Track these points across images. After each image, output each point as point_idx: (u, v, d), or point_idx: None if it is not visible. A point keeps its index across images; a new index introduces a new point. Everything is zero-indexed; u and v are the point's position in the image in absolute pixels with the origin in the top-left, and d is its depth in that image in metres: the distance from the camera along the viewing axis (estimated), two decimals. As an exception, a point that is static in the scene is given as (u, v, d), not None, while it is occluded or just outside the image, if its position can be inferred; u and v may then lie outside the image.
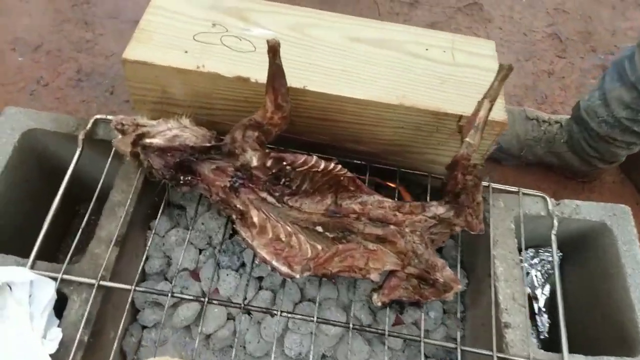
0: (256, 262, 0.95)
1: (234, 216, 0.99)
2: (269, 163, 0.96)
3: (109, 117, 1.17)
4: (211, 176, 0.99)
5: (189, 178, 1.01)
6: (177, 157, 0.99)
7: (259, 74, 1.02)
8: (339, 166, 0.98)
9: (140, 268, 1.02)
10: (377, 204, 1.01)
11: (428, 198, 1.15)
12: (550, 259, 1.31)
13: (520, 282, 1.08)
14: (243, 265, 1.19)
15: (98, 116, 1.17)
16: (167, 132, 1.01)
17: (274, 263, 0.95)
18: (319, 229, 1.02)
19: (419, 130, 1.09)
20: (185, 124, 1.03)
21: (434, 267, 0.99)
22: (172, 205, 1.27)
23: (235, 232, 1.08)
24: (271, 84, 0.91)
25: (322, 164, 0.96)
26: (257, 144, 0.96)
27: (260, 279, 1.18)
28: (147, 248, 1.11)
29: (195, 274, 1.18)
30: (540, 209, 1.17)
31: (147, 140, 0.99)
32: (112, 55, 1.81)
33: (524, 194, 1.18)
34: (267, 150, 0.96)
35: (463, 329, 1.22)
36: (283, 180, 0.98)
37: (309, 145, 1.15)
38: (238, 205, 0.97)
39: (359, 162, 1.18)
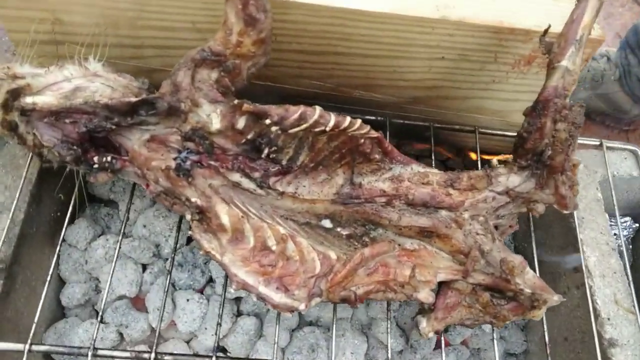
0: (233, 287, 0.57)
1: (188, 216, 0.60)
2: (240, 123, 0.57)
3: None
4: (143, 152, 0.59)
5: (108, 158, 0.61)
6: (83, 124, 0.58)
7: (212, -22, 0.61)
8: (358, 122, 0.59)
9: (40, 309, 0.61)
10: (419, 178, 0.64)
11: (479, 165, 0.78)
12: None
13: (622, 276, 0.74)
14: (210, 281, 0.81)
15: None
16: (64, 83, 0.60)
17: (262, 289, 0.57)
18: (327, 223, 0.65)
19: (466, 60, 0.71)
20: (95, 70, 0.62)
21: (511, 270, 0.63)
22: (96, 201, 0.86)
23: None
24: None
25: (332, 120, 0.57)
26: (217, 92, 0.56)
27: (237, 300, 0.80)
28: (54, 270, 0.71)
29: (138, 302, 0.79)
30: (632, 168, 0.82)
31: (29, 100, 0.58)
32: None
33: (608, 147, 0.82)
34: (235, 102, 0.56)
35: (525, 341, 0.87)
36: (266, 150, 0.59)
37: (296, 97, 0.76)
38: (192, 199, 0.58)
39: (372, 117, 0.79)
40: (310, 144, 0.60)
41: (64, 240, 0.80)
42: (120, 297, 0.77)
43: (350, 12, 0.64)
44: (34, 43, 0.66)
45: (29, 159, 0.68)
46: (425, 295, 0.60)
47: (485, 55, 0.70)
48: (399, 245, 0.65)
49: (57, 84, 0.60)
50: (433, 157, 0.78)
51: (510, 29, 0.66)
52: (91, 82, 0.60)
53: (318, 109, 0.57)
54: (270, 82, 0.74)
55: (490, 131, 0.81)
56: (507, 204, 0.66)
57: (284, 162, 0.61)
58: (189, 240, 0.83)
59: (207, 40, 0.66)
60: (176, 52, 0.70)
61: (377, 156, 0.63)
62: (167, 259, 0.80)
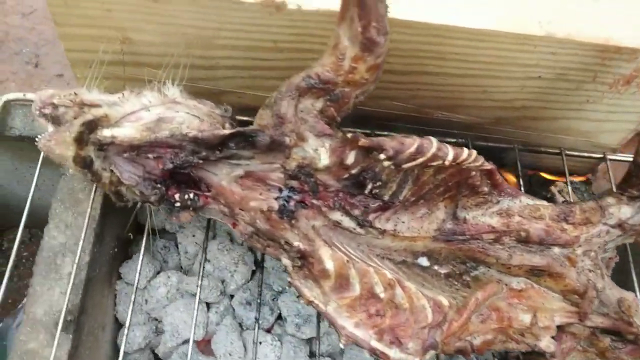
0: (342, 341, 0.51)
1: (284, 260, 0.54)
2: (350, 158, 0.51)
3: (29, 95, 0.67)
4: (236, 190, 0.52)
5: (190, 195, 0.55)
6: (169, 159, 0.52)
7: (303, -6, 0.55)
8: (474, 153, 0.53)
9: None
10: (530, 211, 0.58)
11: (570, 191, 0.73)
12: None
13: None
14: (279, 318, 0.75)
15: (10, 96, 0.67)
16: (143, 113, 0.54)
17: (375, 344, 0.51)
18: (423, 261, 0.59)
19: (563, 80, 0.66)
20: (173, 97, 0.56)
21: (627, 309, 0.58)
22: (152, 231, 0.79)
23: (291, 285, 0.61)
24: (358, -4, 0.44)
25: (450, 153, 0.51)
26: (324, 125, 0.50)
27: (309, 341, 0.74)
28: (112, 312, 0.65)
29: (205, 346, 0.72)
30: None
31: (107, 133, 0.51)
32: (33, 13, 1.27)
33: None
34: (348, 135, 0.50)
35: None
36: (370, 186, 0.53)
37: (374, 119, 0.70)
38: (295, 243, 0.51)
39: (453, 140, 0.74)
40: (415, 177, 0.55)
41: (120, 278, 0.73)
42: (186, 341, 0.70)
43: (450, 29, 0.58)
44: (99, 65, 0.60)
45: (92, 194, 0.62)
46: (546, 343, 0.55)
47: (584, 75, 0.65)
48: (506, 285, 0.59)
49: (135, 114, 0.53)
50: (521, 183, 0.72)
51: (616, 48, 0.61)
52: (175, 112, 0.53)
53: (434, 140, 0.51)
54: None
55: (576, 153, 0.76)
56: (617, 237, 0.61)
57: (385, 198, 0.55)
58: (254, 272, 0.77)
59: (291, 60, 0.60)
60: (252, 72, 0.64)
61: (485, 189, 0.57)
62: (232, 296, 0.74)
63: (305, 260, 0.52)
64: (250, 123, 0.59)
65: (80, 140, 0.51)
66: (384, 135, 0.55)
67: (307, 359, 0.72)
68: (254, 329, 0.71)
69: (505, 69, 0.64)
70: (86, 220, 0.60)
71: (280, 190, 0.51)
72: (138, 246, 0.77)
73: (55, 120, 0.55)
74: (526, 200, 0.59)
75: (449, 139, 0.72)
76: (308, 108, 0.50)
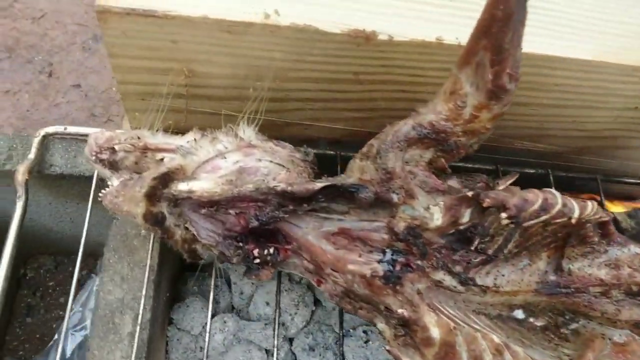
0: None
1: (380, 325, 0.48)
2: (465, 217, 0.45)
3: (70, 129, 0.60)
4: (327, 249, 0.46)
5: (270, 250, 0.48)
6: (254, 216, 0.46)
7: (399, 25, 0.49)
8: (596, 206, 0.48)
9: None
10: (640, 262, 0.53)
11: (656, 223, 0.68)
12: None
13: None
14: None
15: (49, 129, 0.60)
16: (219, 161, 0.47)
17: (487, 420, 0.46)
18: (519, 314, 0.54)
19: (660, 109, 0.60)
20: (249, 140, 0.49)
21: None
22: (201, 268, 0.73)
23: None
24: (495, 30, 0.38)
25: (576, 209, 0.46)
26: (436, 179, 0.44)
27: (378, 386, 0.69)
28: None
29: (266, 397, 0.67)
30: None
31: (183, 187, 0.45)
32: (43, 16, 1.18)
33: None
34: (470, 194, 0.44)
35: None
36: (477, 241, 0.47)
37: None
38: (398, 310, 0.46)
39: (532, 171, 0.68)
40: (523, 229, 0.49)
41: (171, 322, 0.67)
42: (247, 392, 0.65)
43: (554, 59, 0.52)
44: (156, 97, 0.53)
45: (151, 243, 0.55)
46: (664, 409, 0.50)
47: (684, 104, 0.60)
48: (609, 339, 0.54)
49: (211, 162, 0.47)
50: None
51: None
52: (256, 160, 0.47)
53: (558, 195, 0.45)
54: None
55: (661, 182, 0.71)
56: None
57: (489, 252, 0.49)
58: (312, 313, 0.71)
59: (370, 92, 0.54)
60: (324, 104, 0.58)
61: (595, 239, 0.52)
62: (293, 339, 0.68)
63: (407, 328, 0.47)
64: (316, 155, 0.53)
65: (153, 196, 0.45)
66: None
67: (376, 408, 0.67)
68: (319, 378, 0.65)
69: (604, 99, 0.58)
70: (146, 273, 0.53)
71: (384, 252, 0.45)
72: (187, 285, 0.70)
73: (113, 166, 0.49)
74: (635, 249, 0.54)
75: (527, 170, 0.67)
76: (415, 159, 0.44)
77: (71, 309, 0.84)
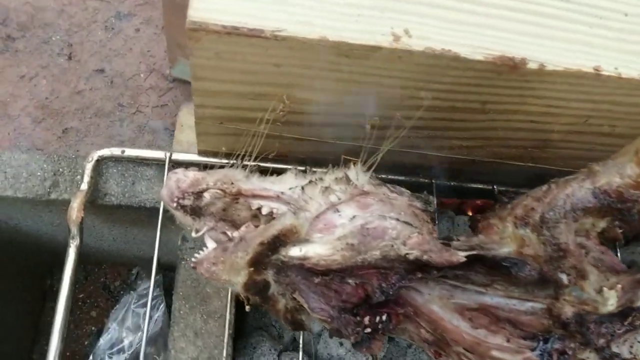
0: None
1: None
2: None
3: (129, 152, 0.51)
4: (465, 329, 0.39)
5: (383, 317, 0.41)
6: (377, 287, 0.38)
7: (551, 51, 0.40)
8: None
9: None
10: None
11: None
12: None
13: None
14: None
15: (103, 153, 0.50)
16: (333, 216, 0.39)
17: None
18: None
19: None
20: (361, 185, 0.41)
21: None
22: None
23: None
24: None
25: None
26: (613, 256, 0.36)
27: None
28: None
29: None
30: None
31: (295, 252, 0.36)
32: (59, -11, 1.05)
33: None
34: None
35: None
36: (631, 317, 0.40)
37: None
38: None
39: None
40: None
41: (235, 365, 0.60)
42: None
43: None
44: (239, 123, 0.44)
45: (229, 293, 0.47)
46: None
47: None
48: None
49: (322, 218, 0.39)
50: None
51: None
52: (379, 217, 0.39)
53: None
54: (544, 163, 0.54)
55: None
56: None
57: (637, 324, 0.42)
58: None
59: (493, 121, 0.46)
60: (433, 132, 0.49)
61: None
62: (367, 383, 0.62)
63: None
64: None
65: (259, 263, 0.36)
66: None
67: None
68: None
69: None
70: (226, 329, 0.46)
71: (539, 338, 0.37)
72: (245, 320, 0.63)
73: (195, 212, 0.40)
74: None
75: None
76: (586, 228, 0.36)
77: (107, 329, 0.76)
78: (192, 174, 0.40)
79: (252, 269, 0.37)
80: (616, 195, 0.34)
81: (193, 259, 0.38)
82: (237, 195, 0.40)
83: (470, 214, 0.64)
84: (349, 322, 0.38)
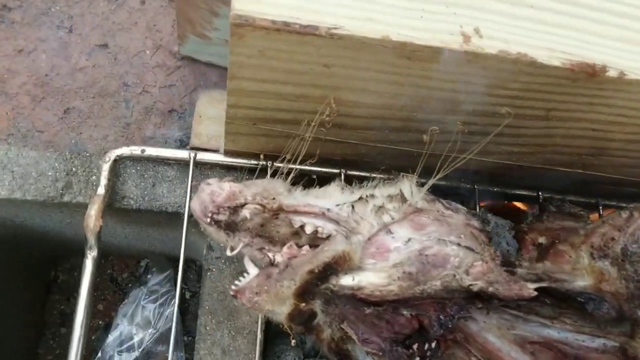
0: None
1: None
2: None
3: (150, 151, 0.46)
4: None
5: (432, 345, 0.37)
6: (436, 320, 0.34)
7: (631, 57, 0.36)
8: None
9: None
10: None
11: None
12: None
13: None
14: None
15: (121, 152, 0.45)
16: (387, 239, 0.35)
17: None
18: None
19: None
20: (415, 202, 0.37)
21: None
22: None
23: None
24: None
25: None
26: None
27: None
28: None
29: None
30: None
31: (347, 282, 0.33)
32: (57, -46, 0.97)
33: None
34: None
35: None
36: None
37: (594, 185, 0.53)
38: None
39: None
40: None
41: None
42: None
43: None
44: (278, 125, 0.40)
45: (261, 320, 0.43)
46: None
47: None
48: None
49: (374, 241, 0.35)
50: None
51: None
52: (438, 242, 0.35)
53: None
54: (594, 170, 0.50)
55: None
56: None
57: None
58: None
59: (552, 129, 0.42)
60: (483, 137, 0.45)
61: None
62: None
63: None
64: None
65: (305, 294, 0.33)
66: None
67: None
68: None
69: None
70: (257, 348, 0.42)
71: (613, 379, 0.34)
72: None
73: (230, 227, 0.36)
74: None
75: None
76: (670, 261, 0.32)
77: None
78: (229, 185, 0.36)
79: (298, 299, 0.33)
80: None
81: (233, 287, 0.34)
82: (278, 211, 0.36)
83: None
84: (401, 355, 0.35)
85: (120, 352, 0.72)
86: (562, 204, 0.46)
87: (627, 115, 0.41)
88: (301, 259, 0.33)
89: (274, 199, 0.36)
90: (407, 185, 0.37)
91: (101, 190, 0.43)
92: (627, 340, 0.33)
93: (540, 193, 0.53)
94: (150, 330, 0.71)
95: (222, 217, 0.36)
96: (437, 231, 0.35)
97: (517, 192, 0.53)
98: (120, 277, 0.81)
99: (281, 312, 0.33)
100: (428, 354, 0.38)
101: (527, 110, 0.40)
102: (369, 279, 0.33)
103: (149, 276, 0.76)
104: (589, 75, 0.36)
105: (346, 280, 0.33)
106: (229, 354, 0.44)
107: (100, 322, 0.79)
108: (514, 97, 0.38)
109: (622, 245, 0.31)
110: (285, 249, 0.34)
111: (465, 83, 0.37)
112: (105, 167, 0.44)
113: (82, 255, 0.81)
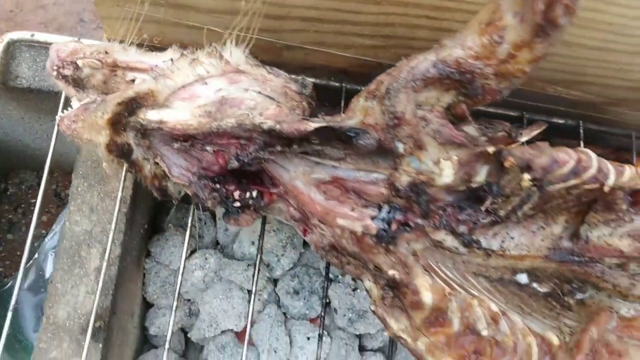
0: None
1: (367, 283, 0.43)
2: (480, 175, 0.38)
3: (38, 36, 0.52)
4: (316, 198, 0.41)
5: (253, 193, 0.43)
6: (234, 156, 0.39)
7: None
8: (635, 172, 0.41)
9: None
10: (668, 236, 0.47)
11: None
12: None
13: None
14: (328, 305, 0.66)
15: (14, 35, 0.52)
16: (199, 87, 0.40)
17: (475, 394, 0.42)
18: (522, 278, 0.49)
19: None
20: (236, 64, 0.42)
21: None
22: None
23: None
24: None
25: (612, 174, 0.39)
26: (454, 130, 0.37)
27: (360, 337, 0.66)
28: (145, 292, 0.56)
29: (244, 337, 0.64)
30: None
31: (153, 116, 0.38)
32: None
33: None
34: (490, 150, 0.37)
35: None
36: (489, 201, 0.41)
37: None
38: (389, 271, 0.41)
39: (561, 121, 0.61)
40: (541, 193, 0.43)
41: (149, 255, 0.63)
42: (224, 332, 0.62)
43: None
44: (124, 1, 0.45)
45: (123, 171, 0.49)
46: (669, 394, 0.47)
47: None
48: (616, 312, 0.50)
49: (189, 88, 0.40)
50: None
51: None
52: (242, 90, 0.40)
53: (594, 157, 0.39)
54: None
55: None
56: None
57: (501, 213, 0.43)
58: (300, 256, 0.67)
59: (388, 15, 0.46)
60: (331, 26, 0.49)
61: (623, 207, 0.46)
62: (277, 281, 0.65)
63: (397, 290, 0.42)
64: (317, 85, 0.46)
65: (117, 124, 0.38)
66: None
67: (358, 353, 0.64)
68: (297, 319, 0.62)
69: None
70: (117, 205, 0.48)
71: (379, 207, 0.39)
72: (169, 216, 0.66)
73: (78, 83, 0.42)
74: (665, 220, 0.48)
75: (556, 119, 0.60)
76: (431, 102, 0.36)
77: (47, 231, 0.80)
78: (72, 44, 0.42)
79: (111, 129, 0.38)
80: (455, 65, 0.34)
81: (57, 117, 0.40)
82: (114, 67, 0.42)
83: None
84: (206, 186, 0.40)
85: (53, 253, 0.79)
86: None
87: None
88: (113, 94, 0.39)
89: (107, 53, 0.41)
90: (228, 48, 0.42)
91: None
92: (392, 172, 0.38)
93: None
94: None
95: (67, 72, 0.42)
96: (247, 84, 0.41)
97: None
98: (63, 192, 0.89)
99: (99, 142, 0.39)
100: (250, 202, 0.43)
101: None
102: (173, 115, 0.38)
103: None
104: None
105: (152, 115, 0.38)
106: (96, 212, 0.50)
107: (42, 231, 0.87)
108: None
109: (387, 85, 0.36)
110: (110, 96, 0.40)
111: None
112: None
113: (32, 171, 0.88)
